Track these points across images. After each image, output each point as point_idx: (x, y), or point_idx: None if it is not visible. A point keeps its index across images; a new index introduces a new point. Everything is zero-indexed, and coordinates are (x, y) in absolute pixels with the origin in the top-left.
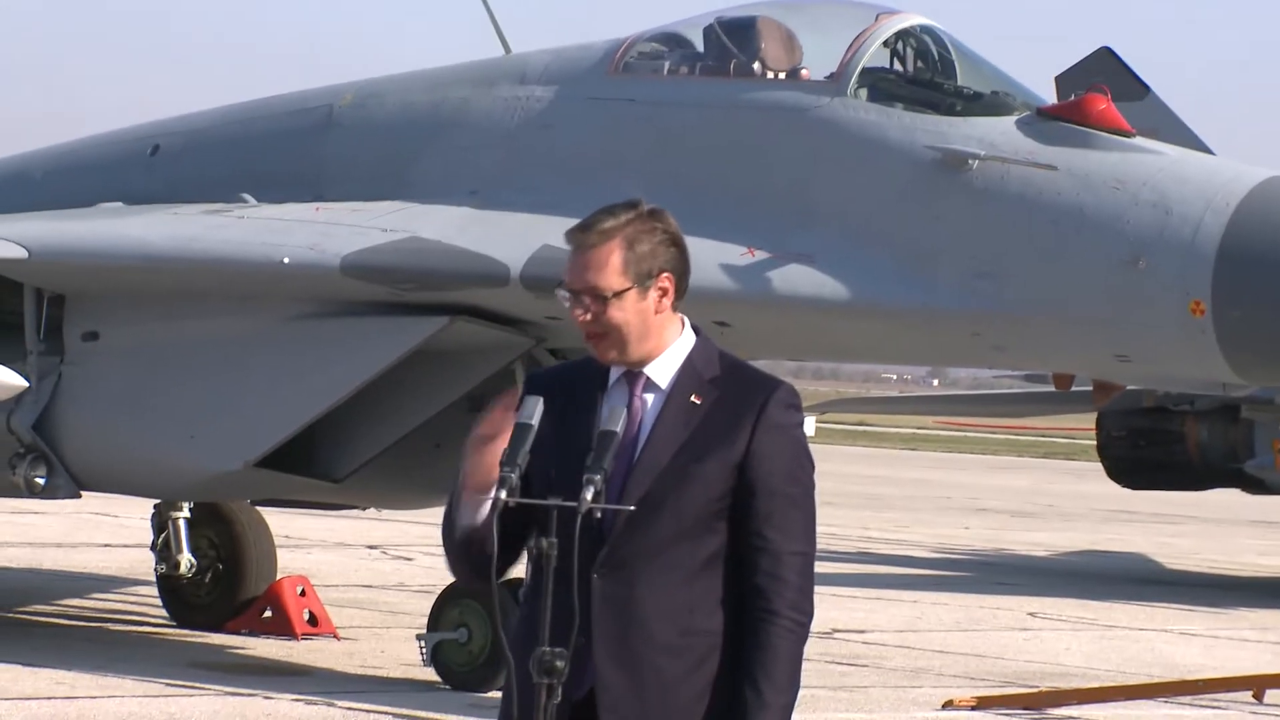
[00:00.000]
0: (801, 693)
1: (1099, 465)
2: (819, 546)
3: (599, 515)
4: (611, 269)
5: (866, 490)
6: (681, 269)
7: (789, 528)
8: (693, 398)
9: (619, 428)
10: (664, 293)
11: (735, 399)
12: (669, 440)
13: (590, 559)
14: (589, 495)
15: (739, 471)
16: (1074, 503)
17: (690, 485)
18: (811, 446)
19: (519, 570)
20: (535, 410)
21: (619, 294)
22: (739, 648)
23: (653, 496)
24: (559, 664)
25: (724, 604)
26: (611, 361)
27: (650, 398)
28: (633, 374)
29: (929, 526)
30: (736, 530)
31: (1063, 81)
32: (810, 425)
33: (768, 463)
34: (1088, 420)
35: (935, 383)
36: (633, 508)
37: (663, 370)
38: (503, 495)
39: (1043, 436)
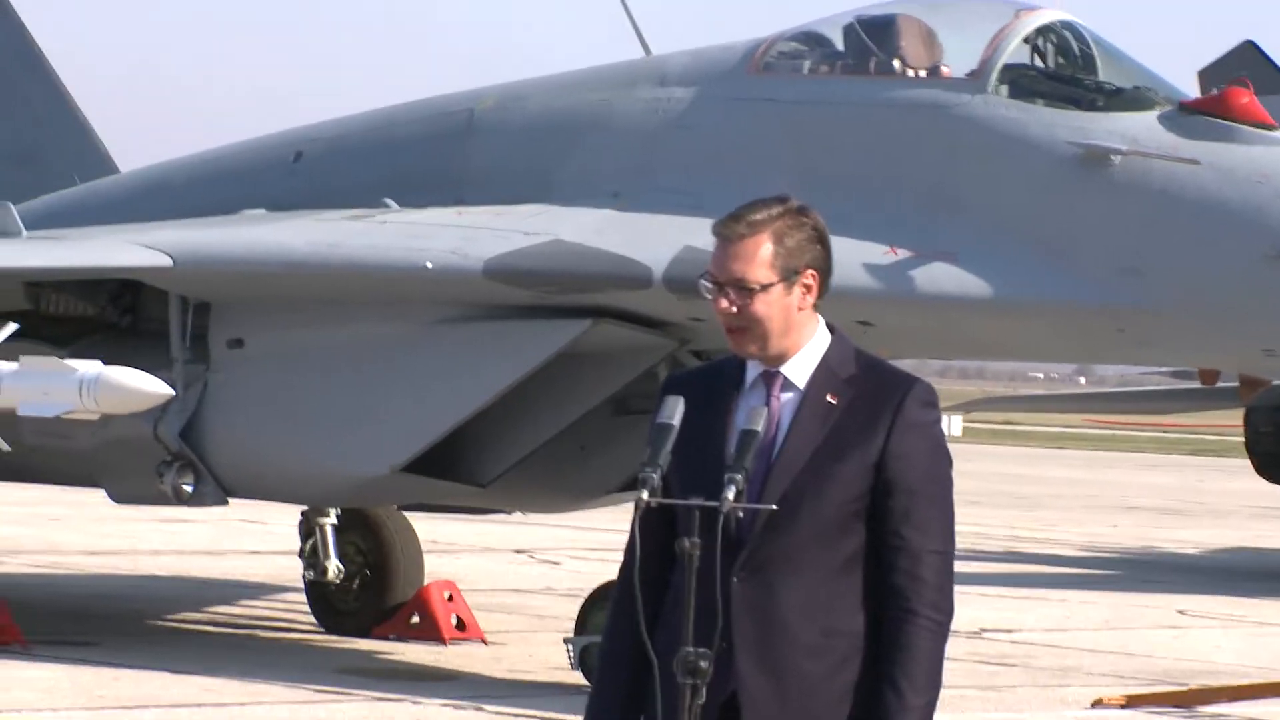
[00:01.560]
0: (950, 692)
1: (1249, 462)
2: (967, 546)
3: (740, 516)
4: (760, 261)
5: (1014, 489)
6: (826, 267)
7: (927, 526)
8: (829, 397)
9: (759, 427)
10: (808, 290)
11: (872, 398)
12: (806, 440)
13: (731, 561)
14: (730, 495)
15: (876, 470)
16: (1224, 499)
17: (828, 485)
18: (958, 446)
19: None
20: (675, 411)
21: (765, 287)
22: (879, 648)
23: (791, 497)
24: (703, 664)
25: (864, 604)
26: (750, 356)
27: (787, 397)
28: (770, 374)
29: (1077, 525)
30: (875, 530)
31: (1205, 76)
32: (957, 425)
33: (905, 461)
34: (1237, 416)
35: (1083, 380)
36: (774, 507)
37: (799, 370)
38: (644, 496)
39: (1192, 433)
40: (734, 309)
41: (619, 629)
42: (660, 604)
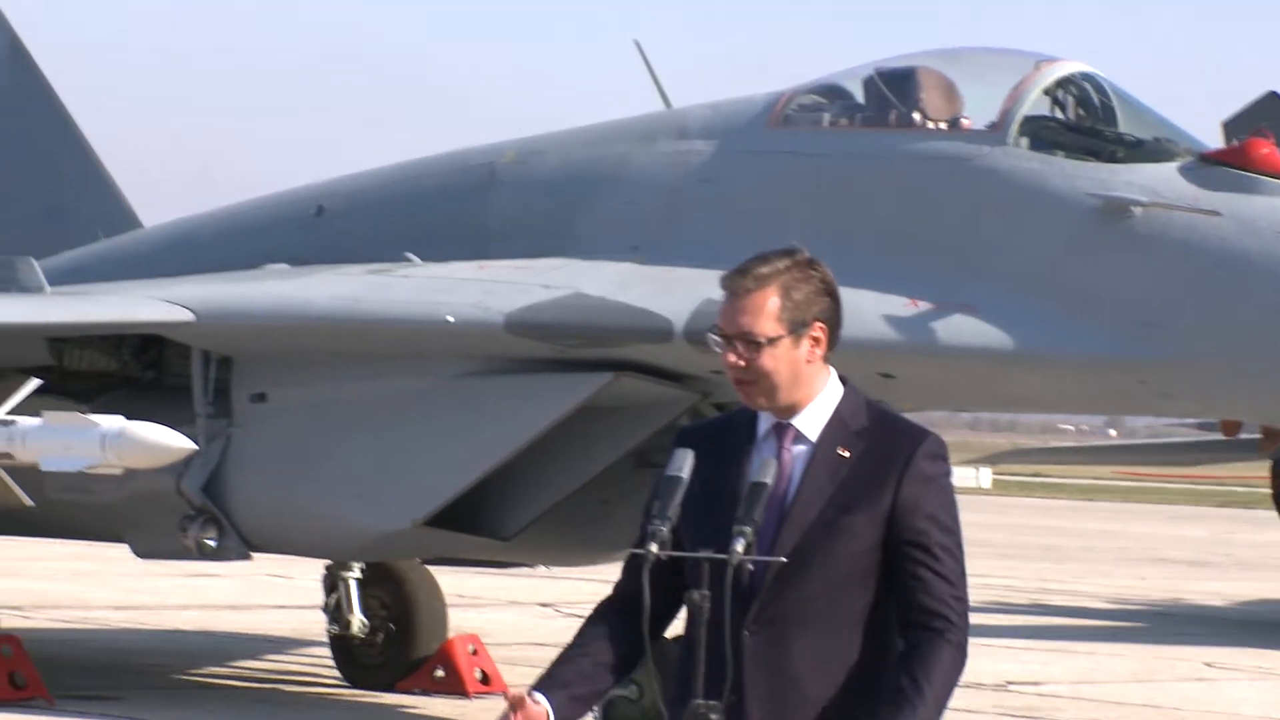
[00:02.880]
0: None
1: (1276, 513)
2: (994, 599)
3: (750, 569)
4: (767, 315)
5: (1043, 541)
6: (835, 320)
7: (944, 574)
8: (841, 449)
9: (770, 479)
10: (816, 342)
11: (882, 450)
12: (818, 493)
13: (741, 614)
14: (740, 547)
15: (887, 523)
16: (1253, 552)
17: (840, 538)
18: (987, 498)
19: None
20: (685, 463)
21: (772, 341)
22: (900, 664)
23: (802, 550)
24: (714, 717)
25: (875, 657)
26: (760, 408)
27: (799, 450)
28: (781, 426)
29: (1105, 577)
30: (887, 583)
31: (1229, 127)
32: (986, 477)
33: (916, 514)
34: (1265, 468)
35: (1113, 433)
36: (784, 560)
37: (811, 422)
38: (654, 549)
39: (1221, 485)
40: (742, 362)
41: (608, 611)
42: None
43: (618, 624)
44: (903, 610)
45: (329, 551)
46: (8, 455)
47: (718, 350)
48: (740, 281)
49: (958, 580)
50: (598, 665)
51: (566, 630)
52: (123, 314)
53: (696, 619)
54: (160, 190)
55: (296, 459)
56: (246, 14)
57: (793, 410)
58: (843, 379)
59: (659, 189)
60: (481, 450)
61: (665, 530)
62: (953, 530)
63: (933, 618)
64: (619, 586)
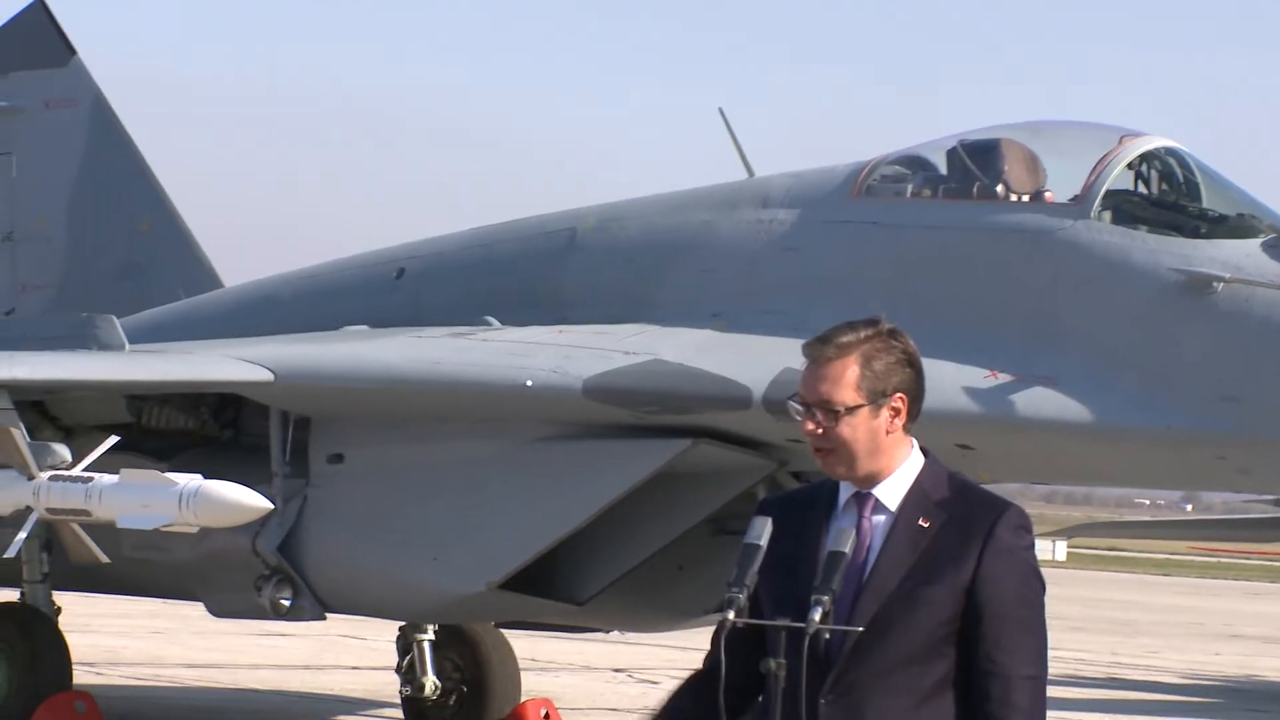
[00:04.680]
0: None
1: None
2: (1068, 672)
3: (827, 637)
4: (846, 384)
5: (1117, 615)
6: (916, 391)
7: (1019, 651)
8: (921, 520)
9: (848, 549)
10: (896, 413)
11: (963, 521)
12: (897, 564)
13: (818, 683)
14: (816, 616)
15: (967, 595)
16: None
17: (919, 609)
18: (1062, 571)
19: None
20: (764, 531)
21: (851, 410)
22: None
23: (881, 620)
24: None
25: None
26: (839, 477)
27: (879, 519)
28: (862, 495)
29: (1179, 653)
30: (965, 654)
31: None
32: (1061, 550)
33: (997, 586)
34: None
35: (1189, 507)
36: (861, 629)
37: (891, 492)
38: (731, 616)
39: None
40: (820, 430)
41: (690, 697)
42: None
43: (702, 699)
44: (977, 694)
45: (403, 613)
46: (85, 512)
47: (798, 418)
48: (822, 350)
49: (1035, 659)
50: None
51: (640, 697)
52: (202, 373)
53: (772, 687)
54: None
55: (372, 520)
56: (330, 67)
57: (873, 480)
58: (924, 449)
59: (740, 256)
60: (557, 514)
61: (743, 598)
62: (1033, 604)
63: (1004, 712)
64: (706, 659)
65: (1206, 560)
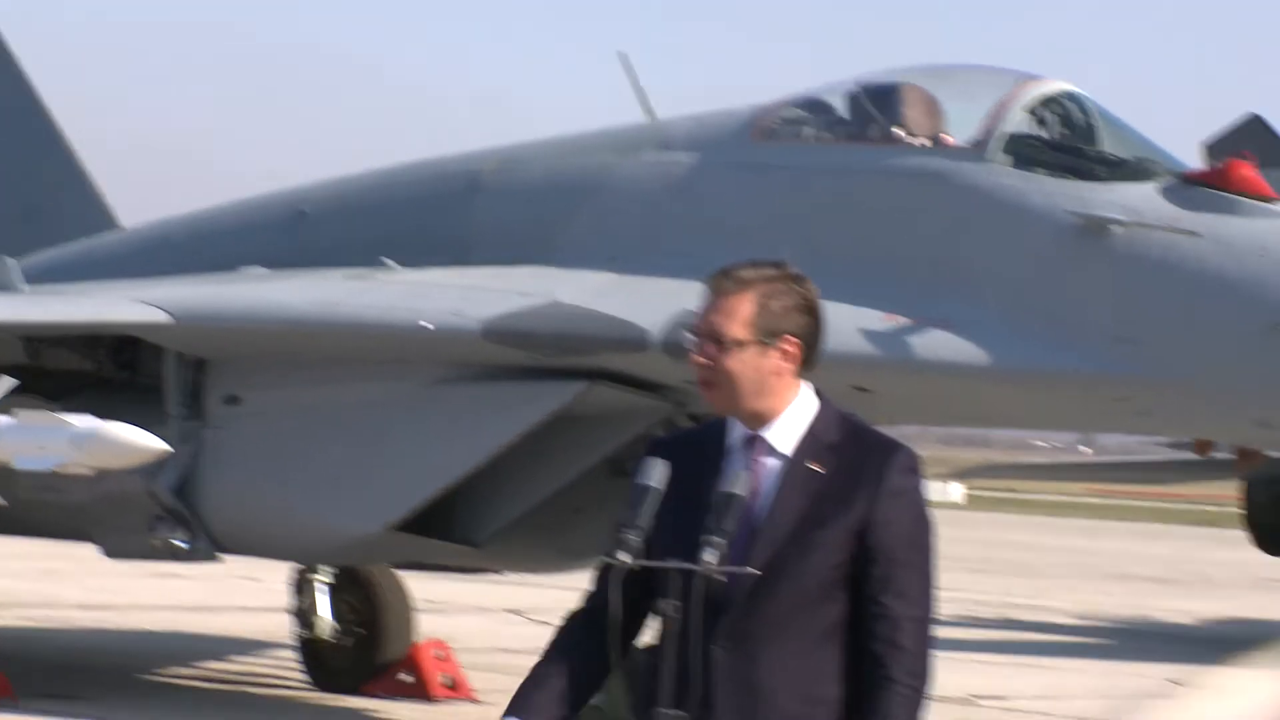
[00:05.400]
0: None
1: (1246, 533)
2: (962, 613)
3: (720, 581)
4: (739, 319)
5: (1013, 557)
6: (811, 338)
7: (908, 593)
8: (813, 463)
9: (741, 491)
10: (786, 356)
11: (855, 464)
12: (789, 507)
13: (711, 628)
14: (710, 557)
15: (859, 538)
16: (1220, 570)
17: (811, 553)
18: (959, 513)
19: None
20: (657, 473)
21: (739, 344)
22: (858, 715)
23: (774, 564)
24: None
25: (845, 671)
26: (722, 412)
27: (771, 463)
28: (753, 438)
29: (1073, 593)
30: (856, 597)
31: (1211, 148)
32: (959, 492)
33: (888, 529)
34: (1236, 488)
35: (1085, 450)
36: (755, 571)
37: (784, 435)
38: (622, 557)
39: (1191, 504)
40: (707, 361)
41: (577, 626)
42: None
43: (587, 638)
44: (865, 635)
45: (299, 555)
46: None
47: (690, 348)
48: (722, 282)
49: (922, 600)
50: (570, 684)
51: (534, 637)
52: (98, 315)
53: (666, 629)
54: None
55: (268, 462)
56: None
57: (760, 421)
58: (818, 392)
59: (640, 199)
60: (455, 456)
61: (637, 539)
62: (923, 546)
63: (890, 653)
64: (588, 597)
65: (1102, 502)
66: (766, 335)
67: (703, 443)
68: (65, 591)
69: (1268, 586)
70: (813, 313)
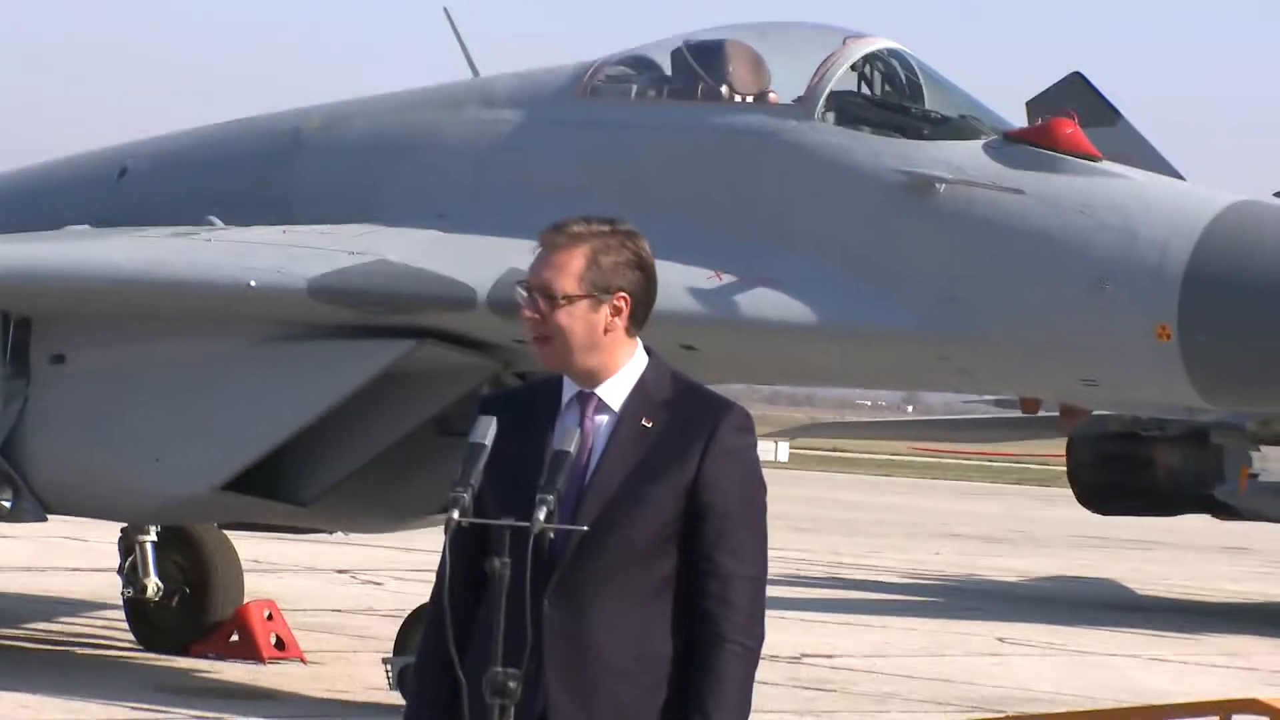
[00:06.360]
0: (768, 718)
1: (1071, 491)
2: (789, 572)
3: (551, 537)
4: (569, 273)
5: (839, 515)
6: (642, 295)
7: (740, 551)
8: (644, 420)
9: (572, 448)
10: (617, 311)
11: (687, 422)
12: (620, 463)
13: (542, 583)
14: (541, 515)
15: (689, 495)
16: (1046, 528)
17: (641, 509)
18: (784, 472)
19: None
20: (488, 430)
21: (570, 299)
22: (688, 673)
23: (604, 520)
24: (511, 685)
25: (676, 628)
26: (555, 369)
27: (602, 420)
28: (584, 395)
29: (900, 552)
30: (687, 554)
31: (1033, 106)
32: (784, 451)
33: (719, 486)
34: (1061, 446)
35: (909, 409)
36: (586, 528)
37: (614, 392)
38: (455, 515)
39: (1016, 463)
40: (537, 316)
41: (431, 649)
42: (471, 625)
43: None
44: (696, 592)
45: (126, 514)
46: None
47: (521, 302)
48: (553, 237)
49: (754, 559)
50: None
51: (363, 597)
52: None
53: (496, 587)
54: None
55: (94, 421)
56: None
57: (593, 378)
58: (649, 350)
59: (465, 157)
60: (282, 415)
61: (467, 497)
62: (754, 504)
63: (722, 611)
64: (439, 571)
65: (926, 460)
66: (598, 290)
67: (535, 400)
68: None
69: (1093, 544)
70: (645, 269)
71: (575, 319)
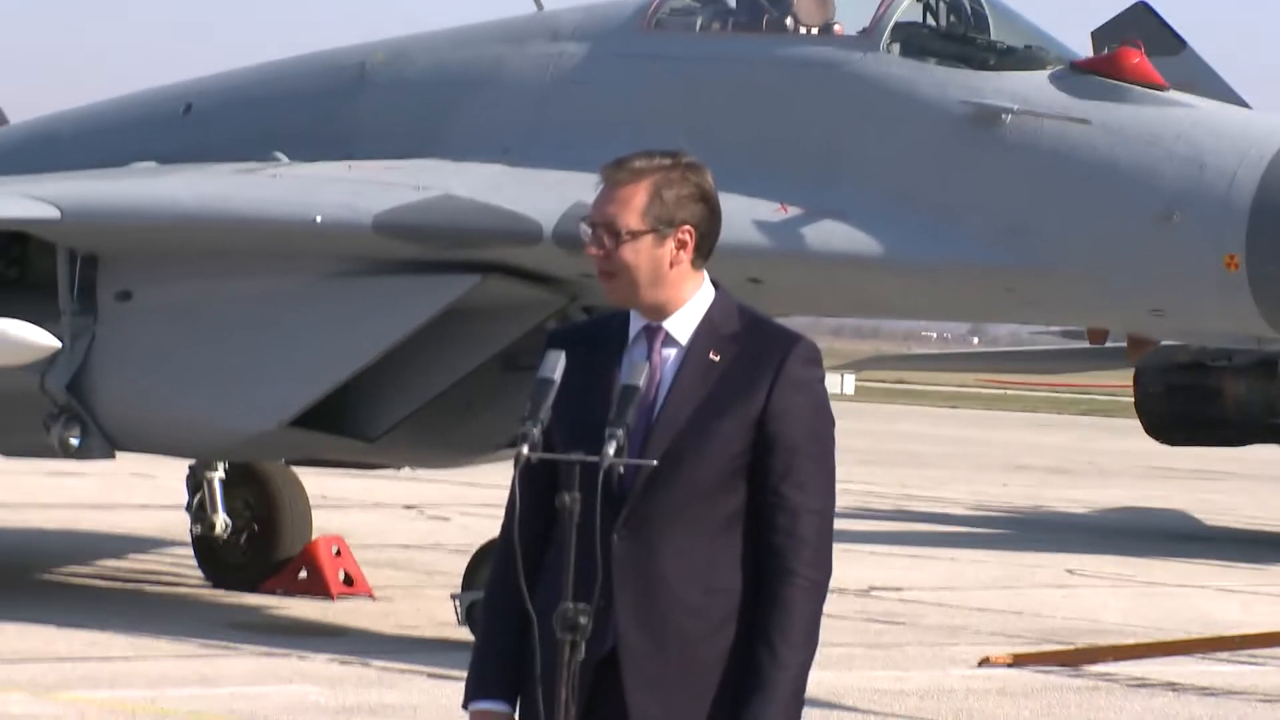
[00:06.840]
0: (837, 650)
1: (1138, 422)
2: (857, 505)
3: (620, 472)
4: (633, 208)
5: (906, 448)
6: (707, 227)
7: (807, 484)
8: (711, 354)
9: (641, 383)
10: (682, 245)
11: (754, 355)
12: (688, 397)
13: (611, 518)
14: (611, 450)
15: (758, 427)
16: (1114, 459)
17: (710, 443)
18: (850, 405)
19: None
20: (557, 365)
21: (634, 234)
22: (756, 606)
23: (672, 454)
24: (582, 620)
25: (745, 562)
26: (622, 304)
27: (670, 353)
28: (652, 329)
29: (967, 484)
30: (755, 488)
31: (1098, 36)
32: (850, 383)
33: (786, 419)
34: (1128, 377)
35: (975, 340)
36: (655, 463)
37: (682, 326)
38: (525, 451)
39: (1083, 394)
40: (603, 253)
41: (501, 584)
42: (541, 560)
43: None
44: (764, 525)
45: (194, 451)
46: None
47: (585, 240)
48: (616, 173)
49: (821, 492)
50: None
51: (430, 533)
52: None
53: (566, 522)
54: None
55: (161, 358)
56: None
57: (660, 312)
58: (715, 283)
59: (530, 91)
60: (348, 351)
61: (536, 432)
62: (822, 437)
63: (790, 545)
64: (508, 506)
65: (993, 392)
66: (662, 224)
67: (602, 334)
68: None
69: (1161, 475)
70: (708, 202)
71: (640, 254)
